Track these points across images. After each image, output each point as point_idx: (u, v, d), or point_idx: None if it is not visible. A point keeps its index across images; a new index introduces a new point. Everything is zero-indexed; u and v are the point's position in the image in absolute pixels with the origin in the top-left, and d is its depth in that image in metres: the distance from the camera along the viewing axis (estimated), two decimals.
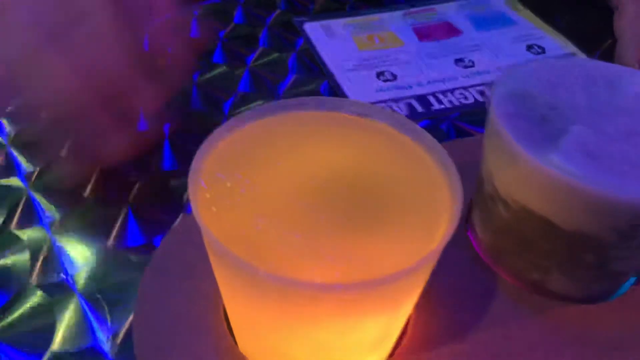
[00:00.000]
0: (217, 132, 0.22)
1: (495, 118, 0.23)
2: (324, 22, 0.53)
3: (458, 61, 0.50)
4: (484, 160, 0.25)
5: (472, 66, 0.49)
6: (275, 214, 0.20)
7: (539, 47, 0.52)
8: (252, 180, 0.20)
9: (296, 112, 0.22)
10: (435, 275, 0.26)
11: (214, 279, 0.22)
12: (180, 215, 0.32)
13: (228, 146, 0.21)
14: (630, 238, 0.22)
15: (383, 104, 0.45)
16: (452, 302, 0.25)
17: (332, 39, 0.51)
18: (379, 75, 0.48)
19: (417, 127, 0.22)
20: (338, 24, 0.53)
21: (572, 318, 0.25)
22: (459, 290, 0.26)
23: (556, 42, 0.52)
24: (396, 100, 0.45)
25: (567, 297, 0.26)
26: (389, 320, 0.21)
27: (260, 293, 0.20)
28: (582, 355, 0.23)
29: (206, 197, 0.20)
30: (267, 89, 0.45)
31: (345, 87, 0.46)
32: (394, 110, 0.44)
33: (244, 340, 0.24)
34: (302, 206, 0.20)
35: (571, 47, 0.51)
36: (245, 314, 0.22)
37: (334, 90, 0.45)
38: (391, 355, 0.24)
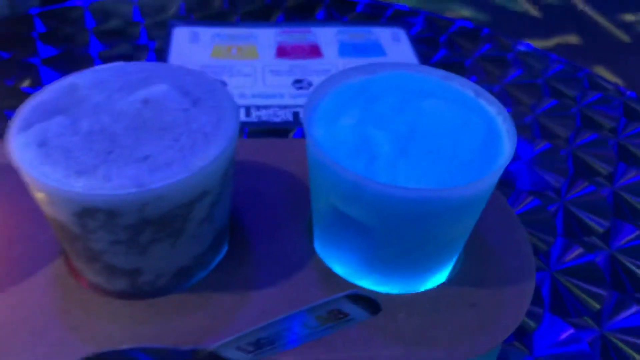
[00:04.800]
0: None
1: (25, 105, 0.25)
2: (195, 29, 0.56)
3: (297, 81, 0.50)
4: None
5: (308, 88, 0.50)
6: None
7: None
8: None
9: None
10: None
11: None
12: None
13: None
14: (89, 230, 0.23)
15: None
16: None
17: (192, 45, 0.54)
18: None
19: None
20: (207, 32, 0.55)
21: (95, 313, 0.26)
22: (21, 262, 0.27)
23: None
24: None
25: (104, 290, 0.26)
26: None
27: None
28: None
29: None
30: None
31: None
32: None
33: None
34: None
35: None
36: None
37: None
38: None
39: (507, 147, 0.25)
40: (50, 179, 0.22)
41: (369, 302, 0.21)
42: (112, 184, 0.21)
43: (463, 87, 0.28)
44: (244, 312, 0.26)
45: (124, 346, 0.23)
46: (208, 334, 0.25)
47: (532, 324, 0.33)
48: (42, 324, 0.25)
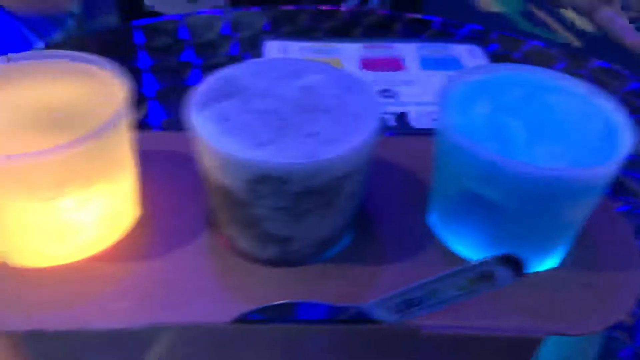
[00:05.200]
0: None
1: (193, 91, 0.28)
2: (285, 43, 0.60)
3: (384, 91, 0.53)
4: None
5: (394, 97, 0.53)
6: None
7: None
8: None
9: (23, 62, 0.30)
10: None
11: None
12: None
13: None
14: (257, 196, 0.26)
15: None
16: (165, 236, 0.30)
17: (283, 57, 0.58)
18: None
19: (114, 64, 0.29)
20: (295, 46, 0.59)
21: (246, 276, 0.29)
22: (177, 233, 0.31)
23: None
24: None
25: (252, 257, 0.29)
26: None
27: None
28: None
29: None
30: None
31: None
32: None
33: None
34: (20, 126, 0.27)
35: None
36: None
37: None
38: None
39: (627, 137, 0.28)
40: (232, 149, 0.25)
41: (517, 265, 0.24)
42: (288, 154, 0.24)
43: (577, 85, 0.31)
44: (378, 283, 0.29)
45: (280, 301, 0.26)
46: (348, 301, 0.28)
47: (630, 319, 0.35)
48: (200, 285, 0.28)
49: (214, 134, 0.25)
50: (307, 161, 0.24)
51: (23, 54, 0.30)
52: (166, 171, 0.33)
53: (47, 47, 1.24)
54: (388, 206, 0.33)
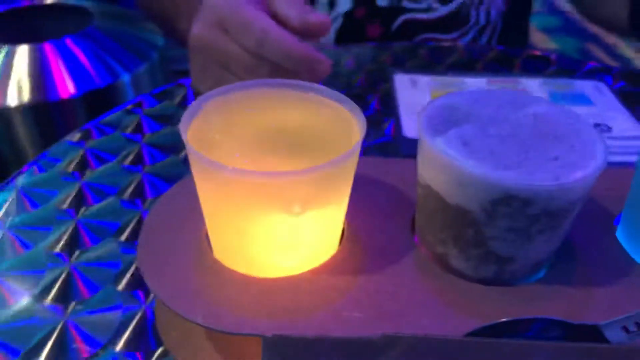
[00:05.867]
0: (209, 94, 0.32)
1: (421, 117, 0.30)
2: (413, 76, 0.62)
3: None
4: None
5: None
6: (241, 147, 0.30)
7: (607, 126, 0.55)
8: (229, 129, 0.31)
9: (263, 88, 0.32)
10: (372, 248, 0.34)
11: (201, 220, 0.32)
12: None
13: (215, 104, 0.32)
14: (494, 216, 0.27)
15: None
16: (376, 253, 0.32)
17: (413, 89, 0.60)
18: None
19: (343, 96, 0.31)
20: (424, 79, 0.62)
21: (463, 294, 0.30)
22: (386, 250, 0.32)
23: (626, 125, 0.54)
24: None
25: (465, 275, 0.31)
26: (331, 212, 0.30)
27: (228, 186, 0.29)
28: (457, 328, 0.28)
29: (195, 134, 0.30)
30: None
31: (404, 124, 0.55)
32: None
33: (218, 244, 0.33)
34: (259, 145, 0.30)
35: (638, 131, 0.53)
36: (218, 213, 0.31)
37: (396, 125, 0.54)
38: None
39: None
40: (479, 170, 0.27)
41: None
42: (534, 177, 0.26)
43: None
44: (592, 304, 0.30)
45: (515, 317, 0.27)
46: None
47: None
48: (420, 300, 0.30)
49: (457, 156, 0.27)
50: (554, 184, 0.26)
51: (257, 81, 0.33)
52: (365, 193, 0.36)
53: (133, 78, 1.30)
54: (578, 230, 0.34)
